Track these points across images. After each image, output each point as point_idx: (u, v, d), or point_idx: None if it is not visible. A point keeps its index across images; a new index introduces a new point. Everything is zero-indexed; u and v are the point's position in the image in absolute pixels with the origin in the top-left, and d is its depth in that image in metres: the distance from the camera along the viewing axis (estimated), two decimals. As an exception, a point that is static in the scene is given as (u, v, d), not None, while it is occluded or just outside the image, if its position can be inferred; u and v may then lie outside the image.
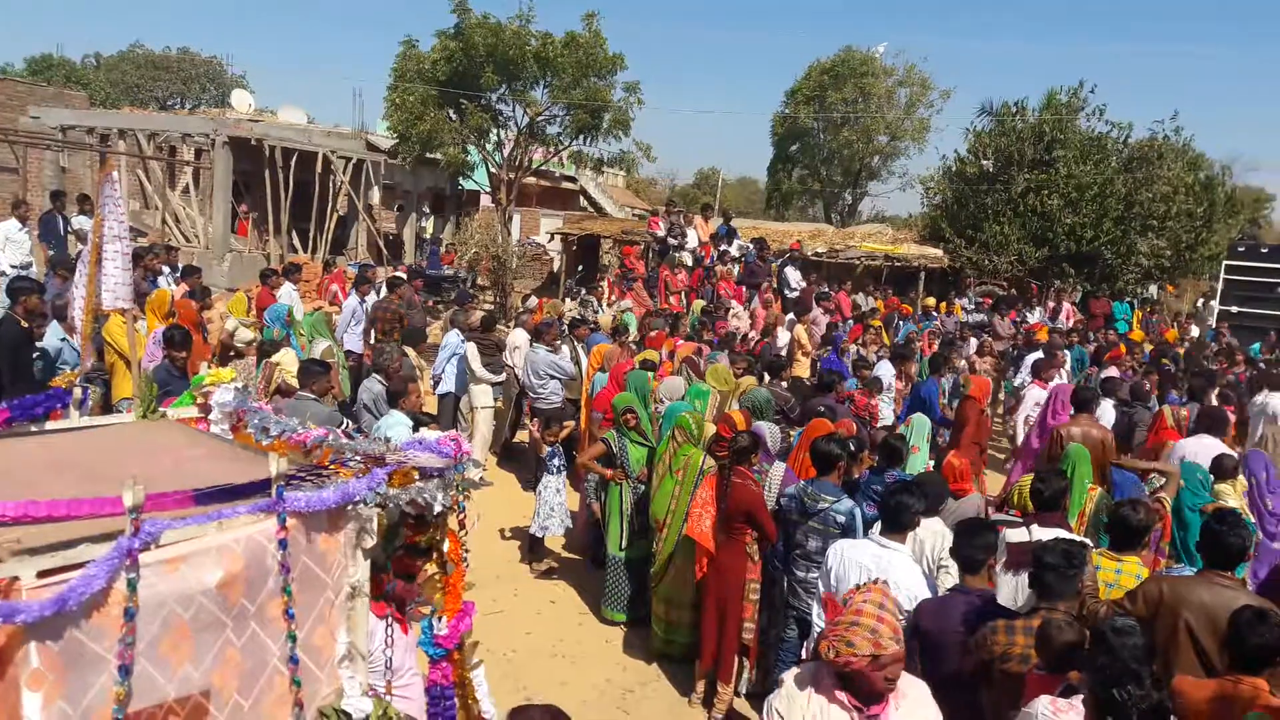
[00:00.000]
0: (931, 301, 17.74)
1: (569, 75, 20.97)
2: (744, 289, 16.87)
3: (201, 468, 2.39)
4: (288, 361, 8.64)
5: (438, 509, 2.43)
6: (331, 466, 2.41)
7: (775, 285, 17.58)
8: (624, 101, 21.61)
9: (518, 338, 11.34)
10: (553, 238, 26.37)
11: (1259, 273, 18.13)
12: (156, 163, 22.70)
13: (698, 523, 6.04)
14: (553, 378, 10.44)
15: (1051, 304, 18.46)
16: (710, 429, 6.93)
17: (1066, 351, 12.92)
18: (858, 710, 3.15)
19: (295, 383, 7.70)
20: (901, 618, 3.20)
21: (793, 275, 17.97)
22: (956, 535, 4.73)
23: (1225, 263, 18.84)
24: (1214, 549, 4.55)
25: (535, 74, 21.23)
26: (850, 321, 15.62)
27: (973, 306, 17.84)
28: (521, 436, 11.73)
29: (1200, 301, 20.77)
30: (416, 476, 2.40)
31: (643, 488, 7.36)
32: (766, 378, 10.06)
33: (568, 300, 18.71)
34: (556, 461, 8.26)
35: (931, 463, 8.26)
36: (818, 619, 4.92)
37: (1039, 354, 11.99)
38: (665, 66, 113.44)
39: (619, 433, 7.53)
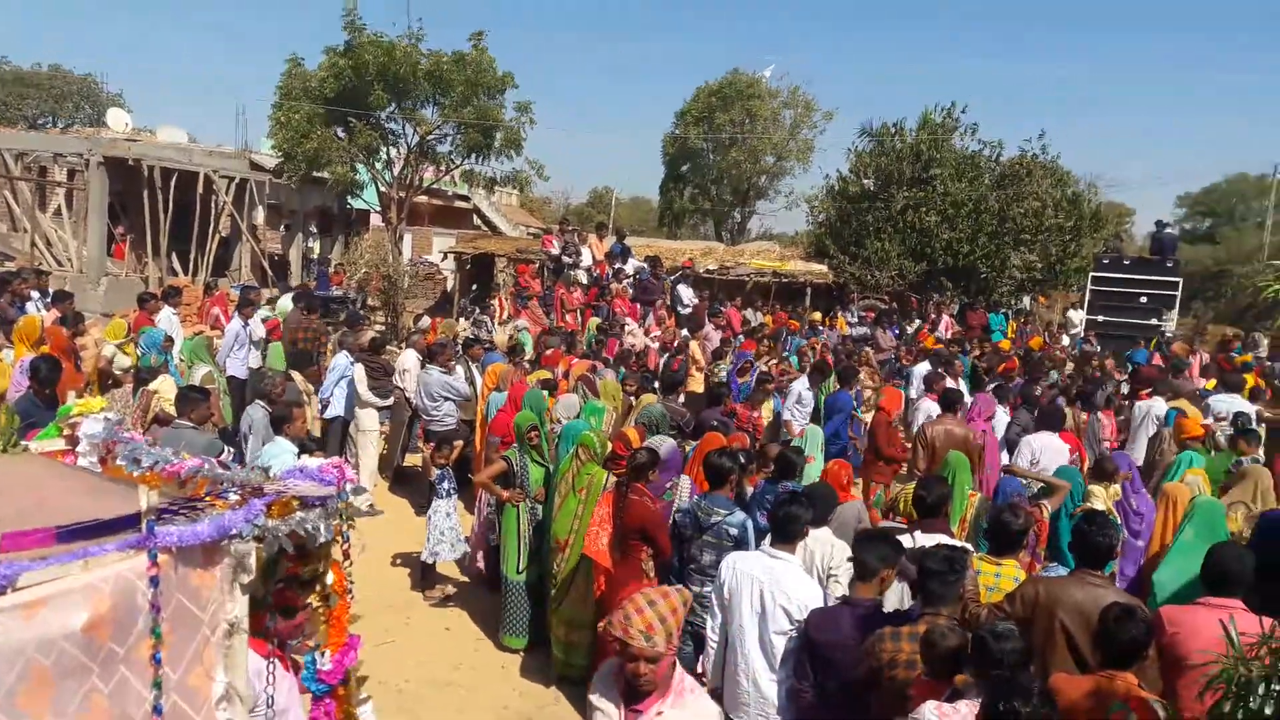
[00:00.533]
0: (818, 316, 18.20)
1: (459, 94, 20.84)
2: (639, 306, 16.99)
3: (66, 503, 2.28)
4: (165, 389, 8.32)
5: (320, 540, 2.37)
6: (207, 498, 2.32)
7: (669, 302, 17.77)
8: (516, 120, 21.58)
9: (408, 359, 11.14)
10: (446, 256, 26.09)
11: (1123, 283, 19.12)
12: (25, 183, 21.62)
13: (595, 540, 6.04)
14: (446, 399, 10.30)
15: (931, 316, 19.15)
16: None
17: (963, 360, 13.30)
18: (622, 702, 3.20)
19: (173, 410, 7.41)
20: (674, 634, 3.21)
21: (685, 292, 18.21)
22: (858, 542, 4.79)
23: (1092, 274, 19.82)
24: (1084, 549, 4.74)
25: (426, 92, 21.03)
26: (741, 337, 15.91)
27: (856, 320, 18.37)
28: (413, 460, 11.52)
29: (1068, 310, 21.79)
30: (297, 506, 2.34)
31: (539, 508, 7.31)
32: (663, 393, 10.12)
33: (461, 320, 18.51)
34: (447, 485, 8.10)
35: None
36: (712, 633, 4.96)
37: (928, 366, 12.41)
38: (560, 86, 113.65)
39: (521, 451, 7.46)
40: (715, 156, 42.13)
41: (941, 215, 21.09)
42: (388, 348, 12.27)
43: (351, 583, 2.76)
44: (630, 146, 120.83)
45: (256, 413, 8.05)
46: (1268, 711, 1.74)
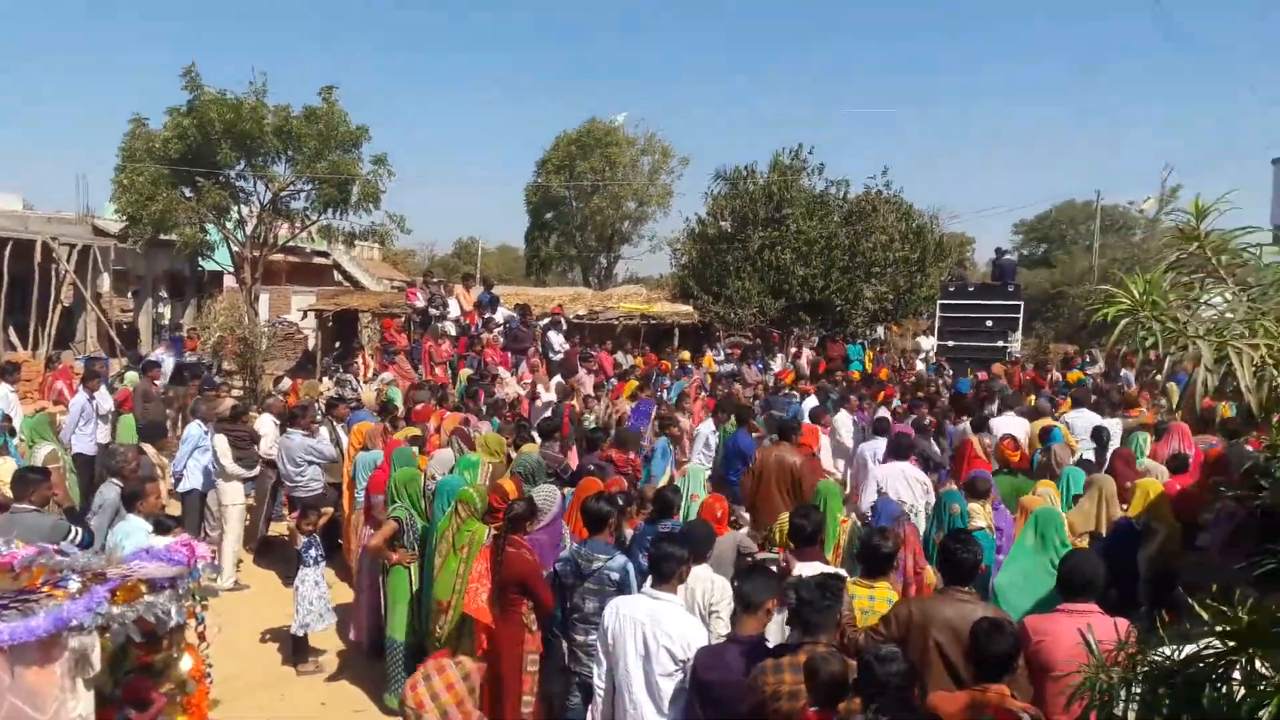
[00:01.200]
0: (686, 355, 18.45)
1: (311, 149, 20.44)
2: (510, 355, 16.88)
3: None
4: (3, 471, 7.78)
5: (172, 623, 2.23)
6: (44, 589, 2.16)
7: (540, 349, 17.72)
8: (372, 174, 21.30)
9: (265, 424, 10.73)
10: (306, 315, 25.34)
11: (968, 309, 20.08)
12: None
13: (474, 597, 5.90)
14: (311, 463, 9.94)
15: (793, 350, 19.70)
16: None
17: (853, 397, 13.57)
18: None
19: (10, 494, 6.90)
20: (450, 710, 3.21)
21: (556, 339, 18.20)
22: (741, 577, 4.83)
23: (939, 301, 20.75)
24: (950, 566, 4.87)
25: (275, 148, 20.56)
26: (613, 380, 15.98)
27: (722, 358, 18.73)
28: (278, 529, 11.06)
29: (919, 337, 22.77)
30: (145, 590, 2.20)
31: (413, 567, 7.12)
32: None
33: (325, 379, 17.96)
34: (313, 552, 7.80)
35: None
36: (599, 680, 4.91)
37: (815, 401, 12.73)
38: (421, 138, 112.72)
39: (411, 511, 7.25)
40: (578, 204, 42.54)
41: (796, 253, 21.82)
42: (249, 413, 11.77)
43: (210, 666, 2.60)
44: (494, 196, 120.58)
45: (108, 491, 7.59)
46: (1130, 716, 1.83)
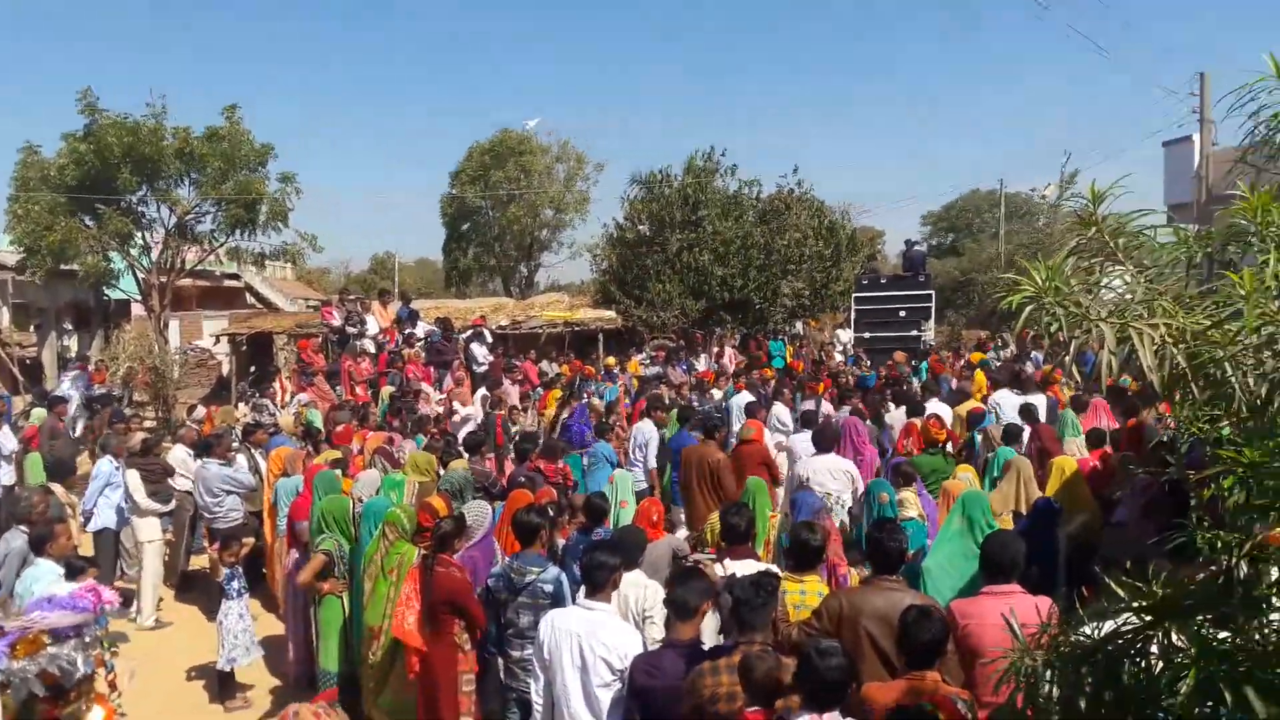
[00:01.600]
0: (612, 361, 18.45)
1: (216, 170, 19.93)
2: (433, 369, 16.65)
3: None
4: (-105, 523, 7.38)
5: (79, 674, 2.12)
6: (-62, 648, 2.04)
7: (464, 362, 17.53)
8: (280, 192, 20.84)
9: (178, 455, 10.39)
10: (219, 340, 24.66)
11: (882, 300, 20.51)
12: None
13: (402, 620, 5.78)
14: (229, 493, 9.67)
15: (716, 349, 19.86)
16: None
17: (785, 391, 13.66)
18: None
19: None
20: None
21: (479, 350, 18.00)
22: (674, 581, 4.78)
23: (854, 295, 21.15)
24: (878, 555, 4.93)
25: (178, 171, 20.01)
26: (540, 389, 15.89)
27: (648, 361, 18.78)
28: (199, 562, 10.72)
29: (837, 330, 23.16)
30: (48, 642, 2.09)
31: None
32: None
33: (241, 405, 17.49)
34: (236, 584, 7.57)
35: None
36: (536, 696, 4.86)
37: (748, 397, 12.79)
38: (330, 154, 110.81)
39: (340, 540, 7.05)
40: (495, 213, 42.31)
41: (714, 254, 22.02)
42: (160, 444, 11.38)
43: (122, 715, 2.49)
44: (410, 209, 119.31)
45: (14, 540, 7.25)
46: (1055, 695, 1.86)
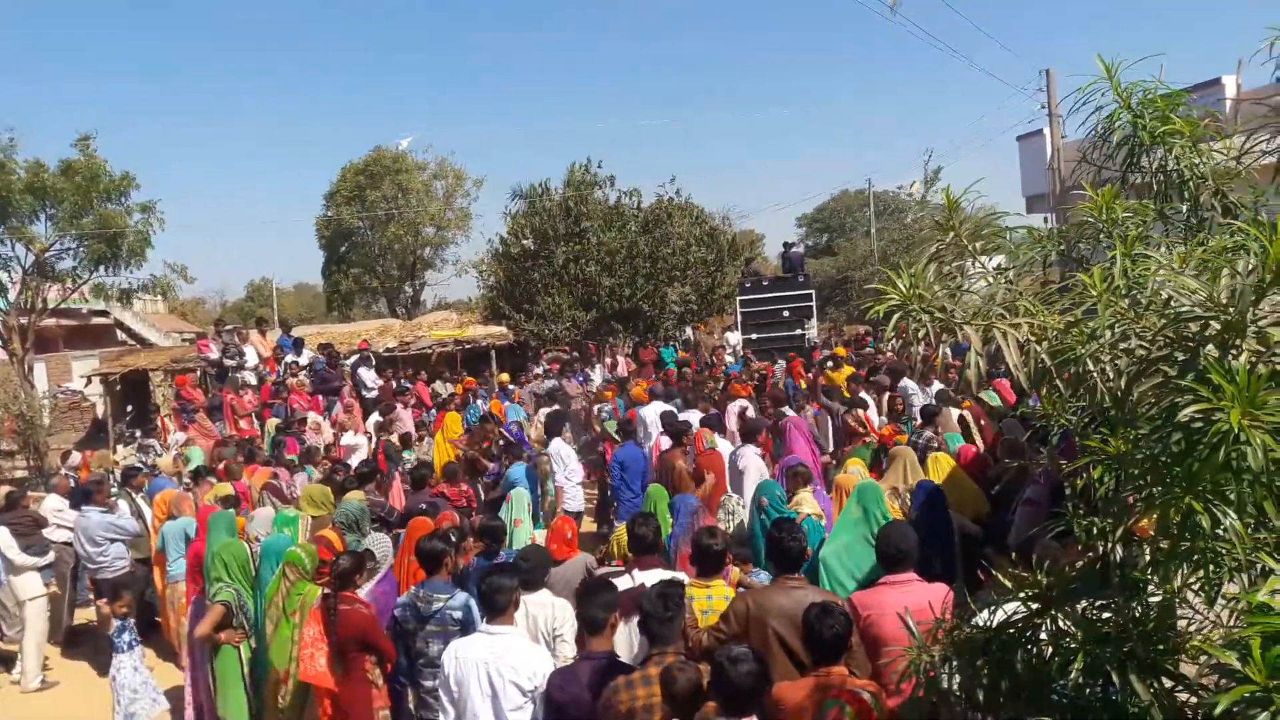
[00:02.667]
0: (505, 377, 18.33)
1: (72, 204, 18.99)
2: (320, 398, 16.22)
3: None
4: None
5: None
6: None
7: (353, 388, 17.13)
8: (142, 223, 19.99)
9: (51, 504, 9.87)
10: (90, 381, 23.48)
11: (766, 302, 20.91)
12: None
13: (311, 663, 5.61)
14: (113, 540, 9.23)
15: (609, 359, 19.95)
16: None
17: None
18: None
19: None
20: None
21: (367, 375, 17.62)
22: (579, 598, 4.78)
23: (738, 298, 21.53)
24: (778, 555, 5.01)
25: (31, 207, 18.98)
26: (434, 410, 15.64)
27: (543, 374, 18.71)
28: (85, 616, 10.20)
29: (725, 333, 23.50)
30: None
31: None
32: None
33: (120, 448, 16.73)
34: (127, 637, 7.22)
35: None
36: (451, 728, 4.80)
37: (661, 406, 12.77)
38: (197, 182, 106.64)
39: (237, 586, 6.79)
40: (374, 234, 41.51)
41: (600, 264, 22.19)
42: (27, 495, 10.76)
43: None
44: (285, 234, 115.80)
45: None
46: (955, 687, 1.95)
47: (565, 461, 10.23)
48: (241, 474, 10.15)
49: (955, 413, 9.81)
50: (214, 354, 17.64)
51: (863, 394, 11.35)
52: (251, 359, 17.63)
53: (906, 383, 12.11)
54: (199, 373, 18.63)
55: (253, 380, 17.00)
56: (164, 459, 13.05)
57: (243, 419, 15.58)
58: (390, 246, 41.27)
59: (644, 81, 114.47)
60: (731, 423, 11.42)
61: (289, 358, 17.91)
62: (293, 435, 13.44)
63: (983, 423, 9.84)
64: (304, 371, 17.32)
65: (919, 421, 9.70)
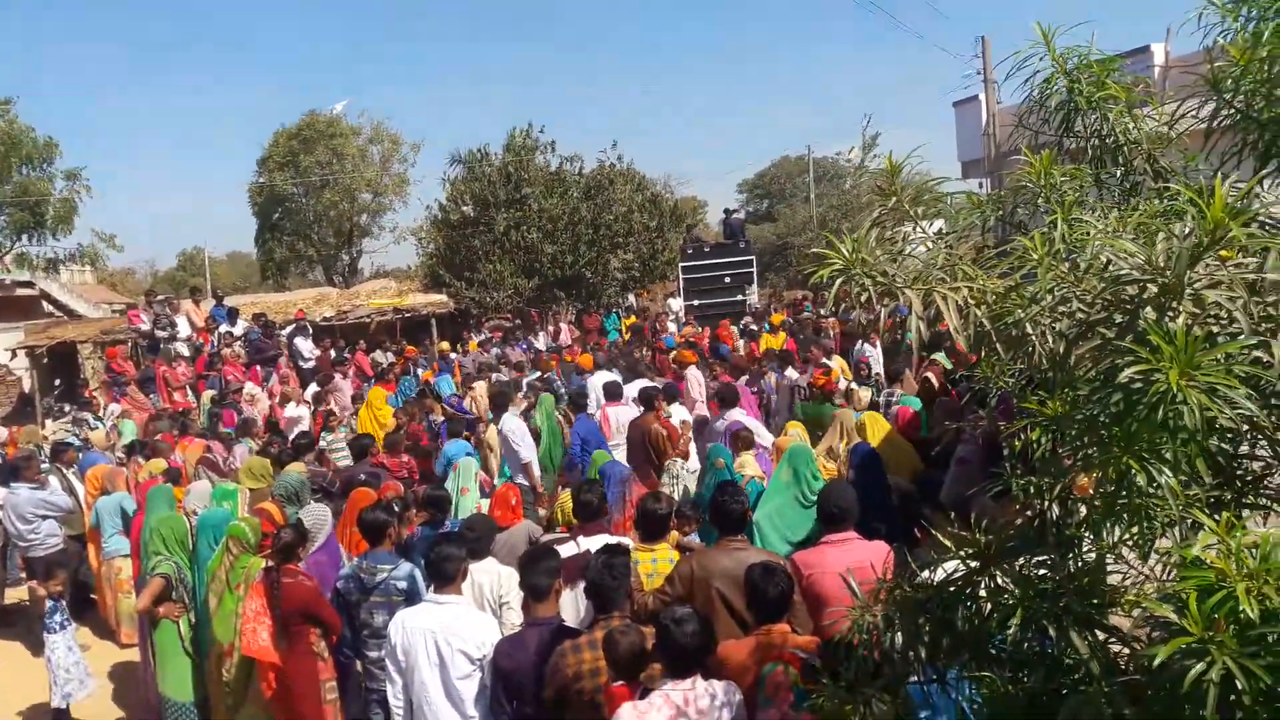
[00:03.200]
0: (445, 345, 18.16)
1: (-9, 171, 18.32)
2: (257, 368, 15.92)
3: None
4: None
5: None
6: None
7: (289, 358, 16.85)
8: (67, 190, 19.36)
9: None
10: (15, 354, 22.71)
11: (708, 268, 20.99)
12: None
13: (253, 638, 5.55)
14: (45, 517, 8.98)
15: (552, 327, 19.88)
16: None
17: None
18: None
19: None
20: None
21: (304, 345, 17.36)
22: (521, 566, 4.77)
23: (680, 264, 21.57)
24: (721, 517, 5.07)
25: (-53, 174, 18.27)
26: (373, 380, 15.45)
27: (482, 342, 18.59)
28: (17, 595, 9.95)
29: (668, 300, 23.55)
30: None
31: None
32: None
33: (49, 422, 16.27)
34: (59, 617, 7.07)
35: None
36: (395, 699, 4.79)
37: (606, 375, 12.74)
38: (127, 148, 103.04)
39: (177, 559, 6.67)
40: (308, 200, 40.58)
41: (542, 231, 22.02)
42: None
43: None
44: (216, 201, 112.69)
45: None
46: (898, 645, 1.99)
47: (520, 438, 9.84)
48: (171, 452, 9.92)
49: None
50: (145, 325, 17.23)
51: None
52: (184, 330, 17.26)
53: (864, 345, 12.29)
54: (130, 344, 18.15)
55: (186, 352, 16.66)
56: (97, 433, 12.72)
57: (177, 391, 15.27)
58: (326, 213, 40.43)
59: (585, 48, 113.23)
60: (694, 391, 11.50)
61: (223, 328, 17.56)
62: (229, 407, 13.20)
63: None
64: (239, 342, 16.99)
65: (883, 382, 9.96)
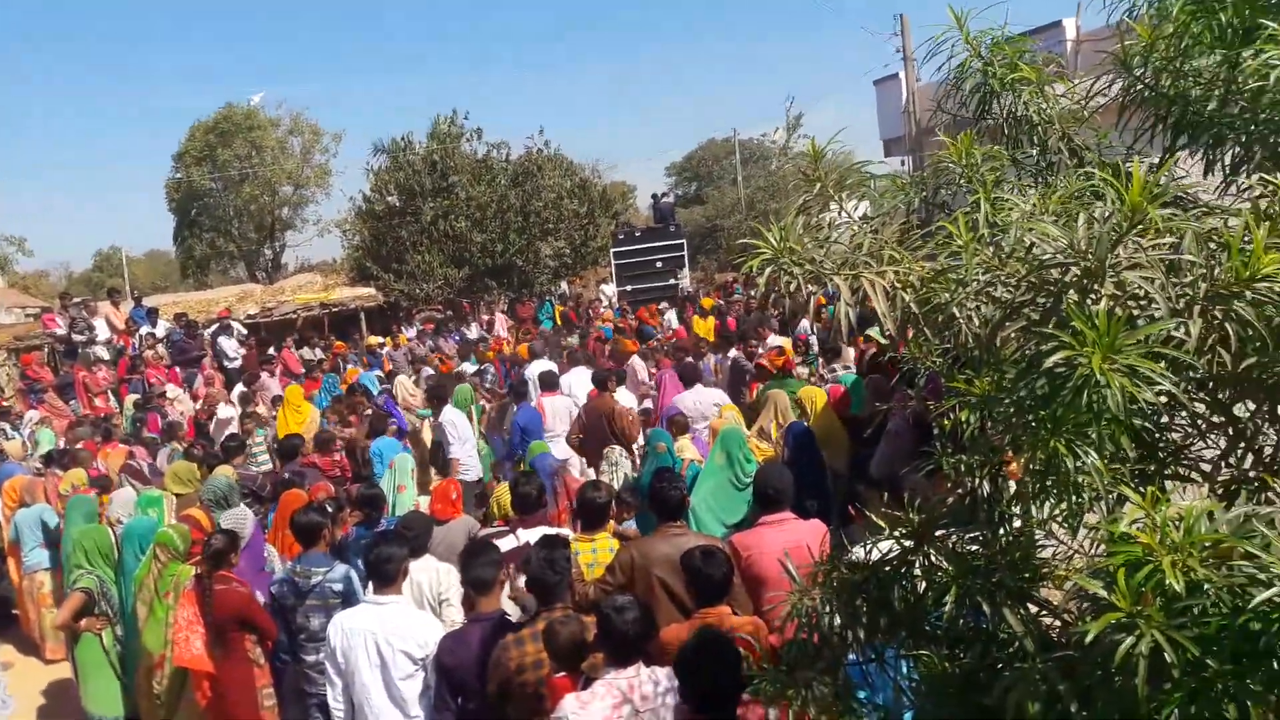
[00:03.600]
0: (374, 340, 17.90)
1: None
2: (177, 370, 15.51)
3: None
4: None
5: None
6: None
7: (214, 358, 16.46)
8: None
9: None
10: (-81, 364, 21.80)
11: (639, 253, 21.01)
12: None
13: (186, 647, 5.43)
14: (-42, 534, 8.66)
15: (485, 317, 19.71)
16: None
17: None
18: None
19: None
20: None
21: (229, 344, 16.96)
22: (463, 561, 4.75)
23: (612, 250, 21.57)
24: (660, 503, 5.08)
25: None
26: (303, 376, 15.17)
27: (416, 335, 18.38)
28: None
29: (601, 285, 23.52)
30: None
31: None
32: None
33: (-42, 435, 15.60)
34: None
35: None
36: (335, 702, 4.73)
37: (543, 365, 12.61)
38: (33, 146, 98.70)
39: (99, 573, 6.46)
40: (228, 195, 39.60)
41: (470, 220, 21.81)
42: None
43: None
44: (133, 199, 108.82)
45: None
46: (837, 625, 2.01)
47: (459, 430, 9.68)
48: (92, 461, 9.60)
49: (852, 351, 10.13)
50: (61, 329, 16.70)
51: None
52: (103, 332, 16.75)
53: (804, 323, 12.42)
54: (46, 350, 17.56)
55: (106, 355, 16.15)
56: (13, 443, 12.25)
57: (98, 396, 14.80)
58: (246, 208, 39.51)
59: (507, 32, 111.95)
60: (642, 374, 11.56)
61: (144, 329, 17.06)
62: (154, 411, 12.84)
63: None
64: (161, 343, 16.53)
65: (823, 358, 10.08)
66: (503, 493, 6.46)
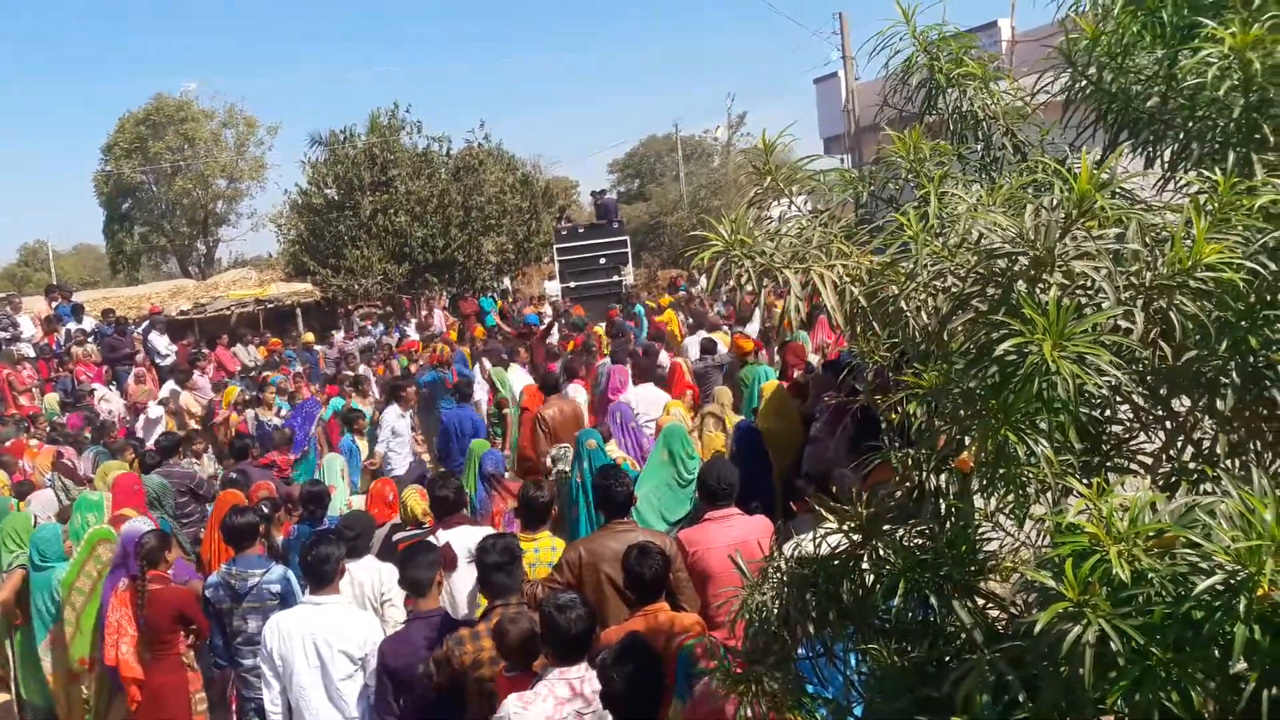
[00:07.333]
0: (311, 337, 17.60)
1: None
2: (110, 368, 15.07)
3: None
4: None
5: None
6: None
7: (146, 355, 16.03)
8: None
9: None
10: None
11: (582, 249, 20.89)
12: None
13: (114, 649, 5.29)
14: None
15: (424, 312, 19.49)
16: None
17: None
18: None
19: None
20: None
21: (160, 341, 16.56)
22: (400, 562, 4.69)
23: (555, 246, 21.46)
24: (606, 501, 5.09)
25: None
26: (237, 376, 14.85)
27: (356, 331, 18.11)
28: None
29: (545, 282, 23.40)
30: None
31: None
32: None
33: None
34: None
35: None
36: (272, 705, 4.63)
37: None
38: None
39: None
40: (159, 188, 38.62)
41: (410, 214, 21.55)
42: None
43: None
44: (61, 192, 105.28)
45: None
46: (787, 619, 2.00)
47: (394, 428, 9.66)
48: (16, 464, 9.27)
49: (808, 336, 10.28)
50: (-18, 327, 16.09)
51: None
52: (27, 329, 16.25)
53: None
54: (-33, 349, 16.92)
55: (30, 353, 15.64)
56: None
57: (22, 395, 14.29)
58: (178, 201, 38.54)
59: (446, 23, 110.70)
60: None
61: (70, 325, 16.54)
62: (82, 409, 12.45)
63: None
64: (89, 340, 16.05)
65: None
66: (408, 497, 6.34)
